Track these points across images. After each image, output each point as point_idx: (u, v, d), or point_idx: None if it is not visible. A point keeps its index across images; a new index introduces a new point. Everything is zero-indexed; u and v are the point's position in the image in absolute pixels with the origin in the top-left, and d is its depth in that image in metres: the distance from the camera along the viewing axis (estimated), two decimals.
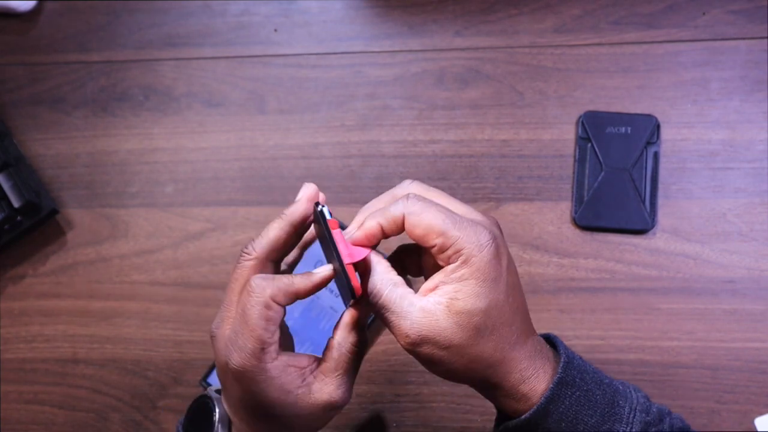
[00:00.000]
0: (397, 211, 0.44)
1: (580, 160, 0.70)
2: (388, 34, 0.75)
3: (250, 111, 0.75)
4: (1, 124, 0.76)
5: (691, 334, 0.67)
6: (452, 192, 0.72)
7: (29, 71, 0.78)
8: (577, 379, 0.45)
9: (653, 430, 0.45)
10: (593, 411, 0.45)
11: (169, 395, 0.71)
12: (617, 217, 0.69)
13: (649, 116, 0.70)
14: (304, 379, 0.47)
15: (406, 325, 0.43)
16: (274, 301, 0.44)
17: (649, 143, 0.70)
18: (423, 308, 0.43)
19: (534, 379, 0.45)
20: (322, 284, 0.46)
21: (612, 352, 0.68)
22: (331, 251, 0.46)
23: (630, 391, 0.47)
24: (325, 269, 0.47)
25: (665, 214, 0.69)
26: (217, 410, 0.49)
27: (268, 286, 0.44)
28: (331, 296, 0.66)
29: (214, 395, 0.51)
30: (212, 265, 0.73)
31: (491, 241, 0.43)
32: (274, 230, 0.47)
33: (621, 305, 0.68)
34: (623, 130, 0.70)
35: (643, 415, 0.45)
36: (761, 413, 0.65)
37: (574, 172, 0.71)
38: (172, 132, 0.76)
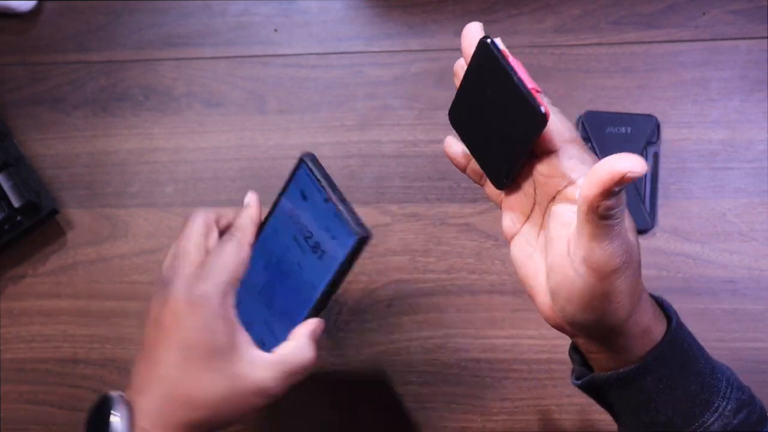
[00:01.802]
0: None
1: None
2: (388, 34, 0.75)
3: (250, 111, 0.75)
4: (1, 124, 0.76)
5: None
6: (452, 192, 0.72)
7: (29, 71, 0.78)
8: (685, 344, 0.44)
9: (746, 410, 0.44)
10: (694, 378, 0.43)
11: None
12: None
13: (649, 116, 0.70)
14: (251, 349, 0.48)
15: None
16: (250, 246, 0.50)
17: (649, 143, 0.70)
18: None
19: (651, 329, 0.43)
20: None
21: None
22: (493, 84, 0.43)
23: (724, 367, 0.46)
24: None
25: (665, 214, 0.69)
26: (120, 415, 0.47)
27: (248, 229, 0.51)
28: (299, 252, 0.55)
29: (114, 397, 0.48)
30: None
31: None
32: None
33: None
34: (623, 130, 0.70)
35: (739, 393, 0.45)
36: None
37: None
38: (172, 132, 0.76)
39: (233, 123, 0.75)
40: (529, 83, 0.40)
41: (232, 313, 0.48)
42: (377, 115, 0.74)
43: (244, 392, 0.47)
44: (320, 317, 0.51)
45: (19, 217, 0.72)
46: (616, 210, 0.37)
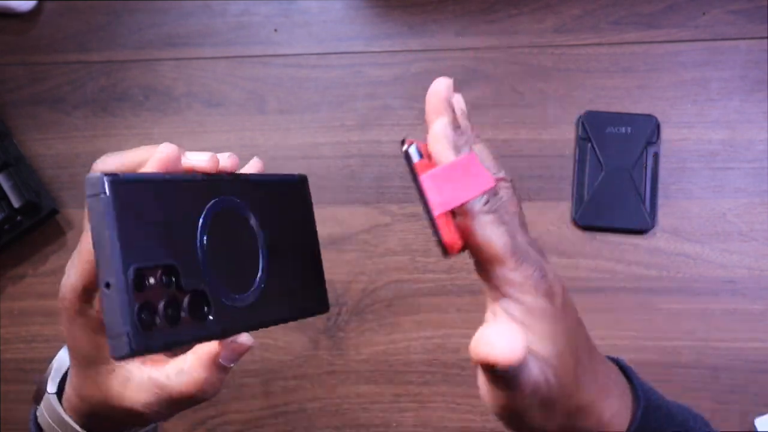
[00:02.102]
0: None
1: (580, 160, 0.70)
2: (388, 34, 0.75)
3: (250, 111, 0.75)
4: (1, 124, 0.76)
5: (691, 333, 0.67)
6: None
7: (29, 71, 0.78)
8: (658, 424, 0.40)
9: None
10: None
11: None
12: (617, 217, 0.69)
13: (649, 116, 0.70)
14: (140, 367, 0.40)
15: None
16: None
17: (649, 143, 0.70)
18: None
19: (615, 419, 0.39)
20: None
21: (612, 352, 0.67)
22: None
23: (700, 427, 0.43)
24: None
25: (665, 214, 0.69)
26: (62, 350, 0.45)
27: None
28: None
29: None
30: None
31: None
32: (141, 153, 0.40)
33: (621, 305, 0.68)
34: (623, 130, 0.70)
35: None
36: (761, 413, 0.65)
37: (574, 172, 0.71)
38: (172, 132, 0.76)
39: (233, 123, 0.75)
40: (438, 208, 0.34)
41: (96, 319, 0.41)
42: (377, 115, 0.74)
43: (117, 408, 0.41)
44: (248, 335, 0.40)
45: (19, 217, 0.72)
46: (508, 372, 0.32)
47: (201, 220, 0.37)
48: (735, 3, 0.72)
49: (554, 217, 0.70)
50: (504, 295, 0.36)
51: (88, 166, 0.75)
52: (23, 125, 0.77)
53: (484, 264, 0.36)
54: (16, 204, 0.71)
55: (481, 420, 0.67)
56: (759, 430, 0.64)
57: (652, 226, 0.69)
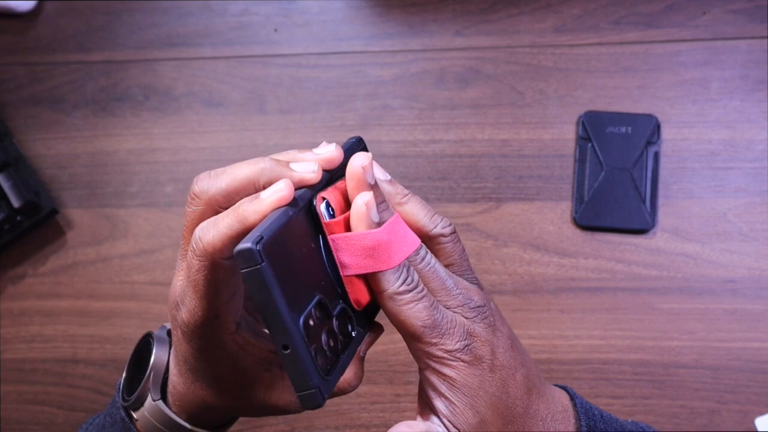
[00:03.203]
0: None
1: (580, 160, 0.70)
2: (388, 34, 0.75)
3: (250, 111, 0.75)
4: (1, 124, 0.76)
5: (692, 334, 0.67)
6: (452, 192, 0.72)
7: (29, 71, 0.78)
8: None
9: None
10: None
11: None
12: (617, 216, 0.69)
13: (650, 116, 0.70)
14: (268, 370, 0.40)
15: None
16: (223, 259, 0.34)
17: (649, 143, 0.70)
18: None
19: None
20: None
21: (612, 352, 0.68)
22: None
23: None
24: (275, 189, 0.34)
25: (665, 213, 0.69)
26: (154, 353, 0.43)
27: (211, 237, 0.34)
28: None
29: (157, 334, 0.45)
30: None
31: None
32: (240, 179, 0.36)
33: (621, 305, 0.68)
34: (623, 129, 0.70)
35: None
36: (761, 413, 0.65)
37: (574, 172, 0.71)
38: (172, 132, 0.76)
39: (233, 123, 0.75)
40: (347, 270, 0.35)
41: (229, 346, 0.39)
42: (377, 115, 0.74)
43: (253, 411, 0.43)
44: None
45: (19, 217, 0.72)
46: None
47: (321, 240, 0.36)
48: (735, 3, 0.72)
49: (554, 217, 0.70)
50: (427, 367, 0.37)
51: (88, 166, 0.76)
52: (23, 125, 0.77)
53: (405, 338, 0.37)
54: (16, 204, 0.71)
55: None
56: (759, 430, 0.64)
57: (653, 226, 0.69)
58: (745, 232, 0.68)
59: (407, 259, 0.36)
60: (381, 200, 0.37)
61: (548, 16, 0.74)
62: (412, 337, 0.37)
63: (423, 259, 0.37)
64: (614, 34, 0.73)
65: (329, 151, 0.37)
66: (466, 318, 0.38)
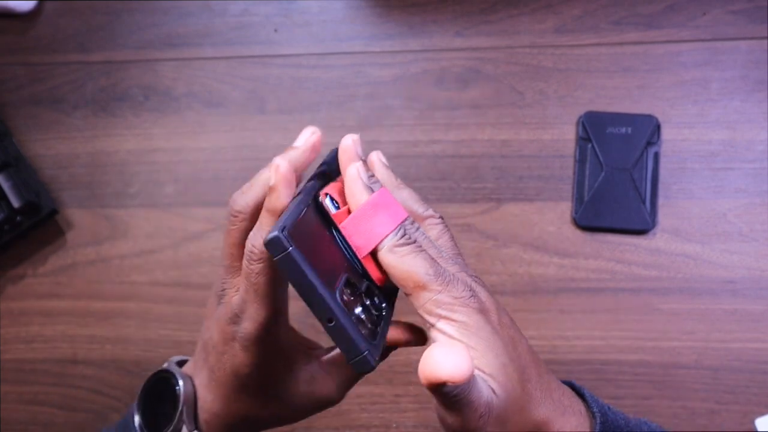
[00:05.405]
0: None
1: (580, 161, 0.70)
2: (388, 34, 0.75)
3: (250, 111, 0.75)
4: (1, 124, 0.76)
5: (692, 334, 0.67)
6: (452, 192, 0.72)
7: (29, 71, 0.78)
8: None
9: None
10: None
11: None
12: (617, 217, 0.69)
13: (650, 116, 0.70)
14: (310, 363, 0.45)
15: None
16: None
17: (649, 143, 0.70)
18: None
19: None
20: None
21: (612, 352, 0.68)
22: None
23: None
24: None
25: (665, 214, 0.69)
26: (182, 385, 0.44)
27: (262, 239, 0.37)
28: None
29: (175, 369, 0.46)
30: (212, 266, 0.72)
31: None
32: (263, 183, 0.41)
33: (621, 305, 0.68)
34: (623, 130, 0.70)
35: None
36: (761, 414, 0.65)
37: (574, 173, 0.71)
38: (172, 132, 0.76)
39: (233, 123, 0.75)
40: (362, 251, 0.38)
41: (283, 343, 0.43)
42: (377, 116, 0.74)
43: (305, 404, 0.47)
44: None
45: (19, 218, 0.72)
46: (458, 390, 0.33)
47: (333, 231, 0.39)
48: (735, 3, 0.72)
49: (554, 217, 0.70)
50: (438, 318, 0.37)
51: (88, 166, 0.76)
52: (23, 125, 0.77)
53: (413, 294, 0.37)
54: (15, 204, 0.71)
55: None
56: (759, 430, 0.64)
57: (653, 227, 0.69)
58: (745, 232, 0.68)
59: (401, 224, 0.38)
60: (371, 173, 0.40)
61: (548, 16, 0.74)
62: (417, 288, 0.37)
63: (417, 229, 0.39)
64: (614, 35, 0.73)
65: (306, 132, 0.45)
66: (467, 276, 0.39)
